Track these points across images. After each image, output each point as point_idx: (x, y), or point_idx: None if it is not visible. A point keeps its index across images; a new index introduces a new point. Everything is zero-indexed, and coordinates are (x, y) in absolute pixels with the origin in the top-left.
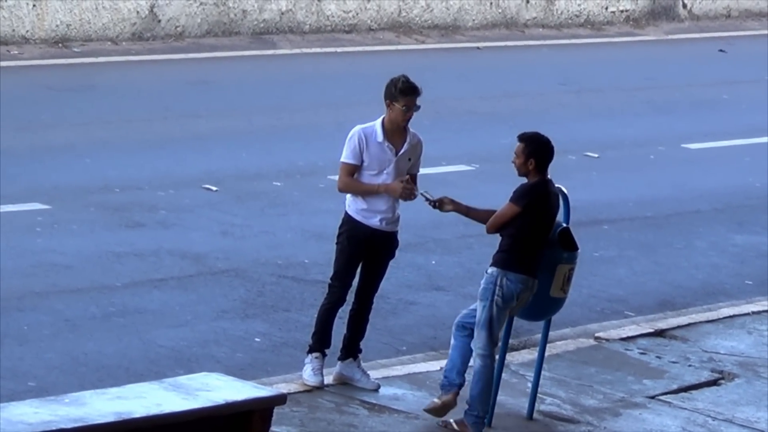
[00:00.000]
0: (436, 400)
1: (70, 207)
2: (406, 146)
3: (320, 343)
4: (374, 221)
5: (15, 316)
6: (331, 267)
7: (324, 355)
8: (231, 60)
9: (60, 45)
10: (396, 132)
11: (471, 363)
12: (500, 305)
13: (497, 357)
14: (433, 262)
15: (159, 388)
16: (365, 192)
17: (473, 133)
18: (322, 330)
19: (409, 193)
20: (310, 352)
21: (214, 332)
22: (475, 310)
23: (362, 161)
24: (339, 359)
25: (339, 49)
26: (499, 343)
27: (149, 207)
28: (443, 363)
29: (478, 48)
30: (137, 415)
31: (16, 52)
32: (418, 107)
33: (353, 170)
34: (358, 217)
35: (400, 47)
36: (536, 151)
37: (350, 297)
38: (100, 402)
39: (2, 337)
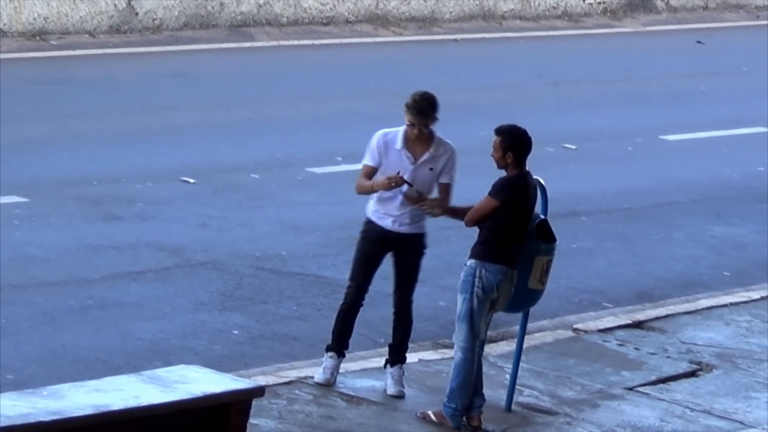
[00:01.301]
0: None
1: (48, 200)
2: (426, 155)
3: (335, 342)
4: (387, 222)
5: None
6: (308, 259)
7: (339, 355)
8: (209, 52)
9: (37, 38)
10: (417, 140)
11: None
12: (480, 297)
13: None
14: None
15: (137, 380)
16: (368, 191)
17: (451, 125)
18: (337, 330)
19: (391, 185)
20: (326, 350)
21: (192, 324)
22: None
23: (380, 164)
24: (384, 366)
25: (316, 42)
26: (481, 336)
27: (127, 200)
28: (421, 354)
29: (455, 40)
30: (115, 408)
31: None
32: (428, 126)
33: (371, 172)
34: (373, 218)
35: (377, 39)
36: (514, 143)
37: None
38: (78, 395)
39: None
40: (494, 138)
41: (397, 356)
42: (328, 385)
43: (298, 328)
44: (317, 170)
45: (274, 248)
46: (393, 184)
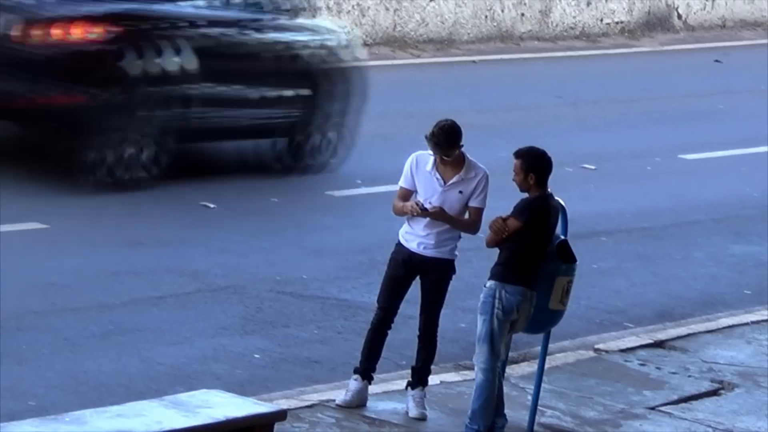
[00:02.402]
0: None
1: (69, 225)
2: (456, 178)
3: (362, 364)
4: (413, 245)
5: (14, 335)
6: (329, 282)
7: (365, 377)
8: None
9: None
10: (449, 163)
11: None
12: (501, 318)
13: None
14: None
15: (159, 405)
16: (399, 212)
17: (469, 146)
18: (365, 352)
19: (414, 212)
20: (354, 372)
21: (213, 349)
22: None
23: (414, 186)
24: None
25: None
26: (501, 357)
27: (149, 225)
28: (442, 376)
29: (473, 62)
30: None
31: None
32: (449, 156)
33: (406, 194)
34: (401, 240)
35: (395, 62)
36: (534, 165)
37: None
38: (100, 420)
39: (2, 356)
40: (514, 161)
41: (419, 379)
42: (350, 407)
43: (319, 352)
44: (337, 193)
45: (295, 272)
46: (412, 213)
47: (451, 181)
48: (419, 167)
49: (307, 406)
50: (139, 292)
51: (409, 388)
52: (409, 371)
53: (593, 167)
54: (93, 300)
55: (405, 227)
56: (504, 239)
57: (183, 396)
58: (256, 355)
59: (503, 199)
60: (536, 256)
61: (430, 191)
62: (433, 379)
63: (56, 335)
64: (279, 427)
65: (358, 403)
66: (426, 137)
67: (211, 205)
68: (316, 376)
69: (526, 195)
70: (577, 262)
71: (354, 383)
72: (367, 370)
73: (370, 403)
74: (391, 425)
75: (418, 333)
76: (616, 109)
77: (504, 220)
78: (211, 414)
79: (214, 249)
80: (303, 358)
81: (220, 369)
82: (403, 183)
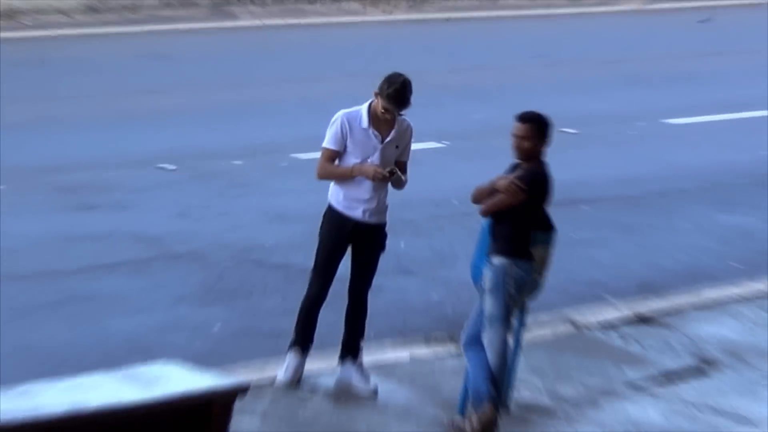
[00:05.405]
0: (467, 420)
1: (20, 188)
2: (393, 133)
3: (298, 336)
4: (357, 213)
5: None
6: (294, 250)
7: (303, 350)
8: (189, 33)
9: (10, 18)
10: (385, 119)
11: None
12: (514, 295)
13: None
14: (402, 245)
15: (114, 378)
16: (340, 176)
17: (443, 108)
18: (300, 324)
19: (381, 177)
20: (289, 347)
21: (171, 319)
22: (477, 317)
23: (345, 147)
24: (338, 363)
25: (302, 21)
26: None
27: (103, 187)
28: (413, 350)
29: (447, 19)
30: (92, 406)
31: None
32: (401, 114)
33: (334, 156)
34: (339, 208)
35: (366, 18)
36: (547, 133)
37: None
38: (53, 393)
39: None
40: (520, 125)
41: (355, 351)
42: (291, 385)
43: (283, 323)
44: (303, 156)
45: (258, 238)
46: (374, 177)
47: (389, 138)
48: (353, 126)
49: (271, 381)
50: (93, 258)
51: (347, 362)
52: (344, 344)
53: (574, 131)
54: (44, 266)
55: (342, 193)
56: (504, 210)
57: (139, 368)
58: (217, 326)
59: (477, 161)
60: (531, 228)
61: (369, 149)
62: (400, 353)
63: (4, 304)
64: (240, 401)
65: (298, 379)
66: (387, 96)
67: (171, 167)
68: (280, 349)
69: (518, 162)
70: (556, 231)
71: (293, 359)
72: (305, 342)
73: (323, 378)
74: (358, 400)
75: (348, 304)
76: (597, 71)
77: (519, 186)
78: (169, 387)
79: (172, 213)
80: (266, 330)
81: (179, 340)
82: (332, 144)
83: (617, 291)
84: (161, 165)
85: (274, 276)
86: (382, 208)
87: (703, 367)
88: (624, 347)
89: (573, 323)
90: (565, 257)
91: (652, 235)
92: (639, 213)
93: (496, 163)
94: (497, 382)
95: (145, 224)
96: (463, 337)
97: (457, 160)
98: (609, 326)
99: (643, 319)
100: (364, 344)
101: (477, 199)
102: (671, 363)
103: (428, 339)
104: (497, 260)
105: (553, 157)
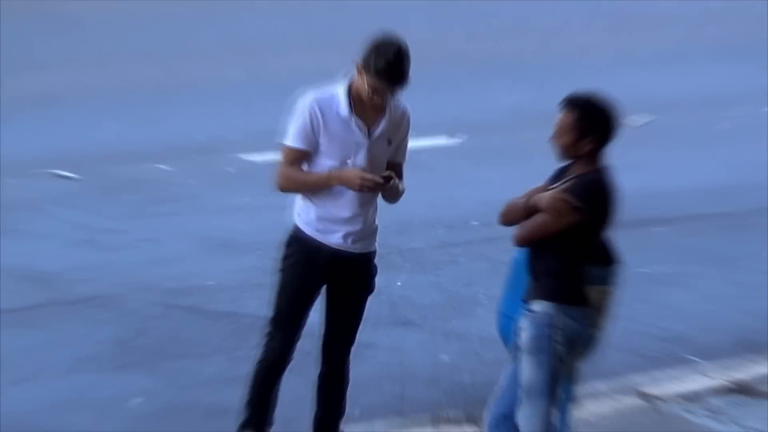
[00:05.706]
0: None
1: None
2: (384, 124)
3: (255, 417)
4: (335, 238)
5: None
6: (245, 291)
7: None
8: None
9: None
10: (369, 103)
11: None
12: (563, 356)
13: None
14: (399, 284)
15: None
16: (311, 186)
17: (458, 90)
18: (257, 400)
19: (371, 185)
20: (240, 429)
21: (72, 391)
22: (508, 388)
23: (317, 146)
24: None
25: None
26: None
27: None
28: None
29: None
30: None
31: None
32: (394, 96)
33: (301, 158)
34: (310, 232)
35: None
36: (598, 125)
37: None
38: None
39: None
40: (563, 113)
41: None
42: None
43: (229, 396)
44: (256, 158)
45: (194, 276)
46: (362, 188)
47: (378, 130)
48: (327, 115)
49: None
50: None
51: None
52: (318, 427)
53: (645, 120)
54: None
55: (314, 211)
56: (548, 236)
57: None
58: (137, 400)
59: (506, 165)
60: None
61: (350, 147)
62: None
63: None
64: None
65: None
66: (376, 70)
67: (71, 175)
68: (225, 431)
69: (567, 163)
70: (619, 265)
71: None
72: (263, 425)
73: None
74: None
75: (321, 368)
76: (677, 36)
77: (570, 204)
78: None
79: (72, 241)
80: (206, 404)
81: (82, 420)
82: (297, 142)
83: (706, 350)
84: (56, 171)
85: (216, 329)
86: (369, 232)
87: None
88: (713, 428)
89: (643, 395)
90: (634, 302)
91: (755, 271)
92: (738, 238)
93: (534, 169)
94: None
95: (33, 257)
96: (489, 416)
97: (477, 163)
98: (694, 398)
99: (741, 390)
100: (344, 426)
101: (508, 220)
102: None
103: (436, 419)
104: (538, 306)
105: (615, 157)
